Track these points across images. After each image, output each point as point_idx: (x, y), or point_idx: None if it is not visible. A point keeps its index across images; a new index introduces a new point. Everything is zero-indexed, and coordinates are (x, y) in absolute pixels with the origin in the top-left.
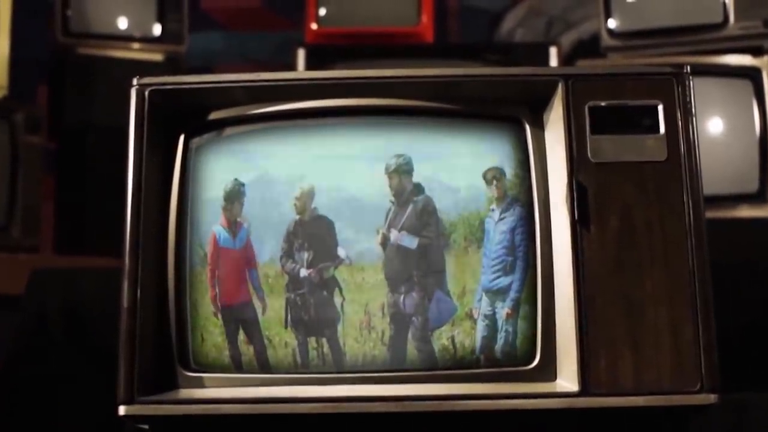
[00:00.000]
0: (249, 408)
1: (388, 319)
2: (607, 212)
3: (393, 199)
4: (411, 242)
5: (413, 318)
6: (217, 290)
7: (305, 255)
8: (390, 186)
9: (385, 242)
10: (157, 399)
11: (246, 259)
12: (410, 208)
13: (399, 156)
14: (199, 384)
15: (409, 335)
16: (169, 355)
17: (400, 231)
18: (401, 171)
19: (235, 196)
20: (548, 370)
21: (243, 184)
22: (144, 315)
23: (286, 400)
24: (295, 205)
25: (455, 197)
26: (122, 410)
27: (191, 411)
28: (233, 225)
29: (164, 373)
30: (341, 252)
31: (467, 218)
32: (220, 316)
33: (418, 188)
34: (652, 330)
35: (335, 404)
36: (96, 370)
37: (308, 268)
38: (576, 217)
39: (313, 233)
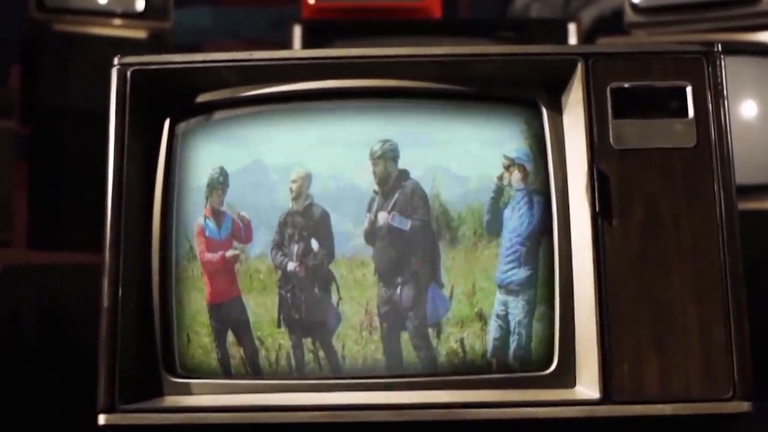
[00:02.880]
0: (240, 417)
1: (386, 315)
2: (630, 203)
3: (377, 188)
4: (403, 223)
5: (410, 309)
6: (205, 287)
7: (295, 247)
8: (374, 173)
9: (373, 231)
10: (140, 407)
11: (233, 252)
12: (398, 193)
13: (385, 141)
14: (186, 390)
15: (409, 335)
16: (153, 360)
17: (390, 213)
18: (386, 157)
19: (217, 183)
20: (567, 375)
21: (225, 171)
22: (126, 315)
23: (279, 408)
24: (290, 189)
25: (464, 188)
26: (102, 419)
27: (177, 420)
28: (217, 215)
29: (148, 378)
30: (337, 245)
31: (477, 210)
32: (207, 314)
33: (404, 174)
34: (680, 332)
35: (333, 413)
36: (73, 375)
37: (298, 261)
38: (597, 209)
39: (306, 224)
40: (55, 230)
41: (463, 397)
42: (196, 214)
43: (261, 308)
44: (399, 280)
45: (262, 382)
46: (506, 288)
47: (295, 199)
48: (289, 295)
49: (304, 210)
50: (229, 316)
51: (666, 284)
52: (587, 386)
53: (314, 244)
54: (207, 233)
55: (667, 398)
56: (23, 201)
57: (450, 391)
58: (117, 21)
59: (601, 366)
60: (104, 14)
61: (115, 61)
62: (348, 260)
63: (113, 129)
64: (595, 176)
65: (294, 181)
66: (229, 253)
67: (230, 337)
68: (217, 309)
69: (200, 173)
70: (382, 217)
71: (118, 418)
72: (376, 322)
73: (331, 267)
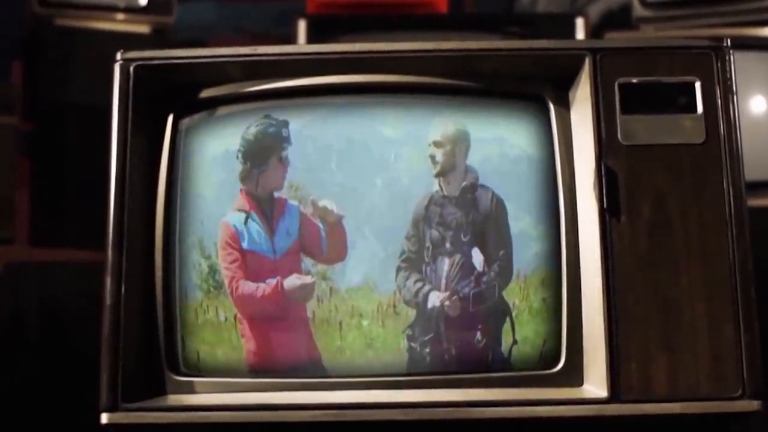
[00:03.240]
0: (244, 416)
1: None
2: (638, 200)
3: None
4: None
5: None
6: (243, 342)
7: (446, 264)
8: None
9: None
10: (143, 406)
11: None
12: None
13: None
14: (190, 389)
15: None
16: (156, 358)
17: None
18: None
19: (269, 147)
20: (574, 374)
21: (286, 124)
22: (128, 313)
23: (284, 407)
24: (432, 158)
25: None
26: (105, 418)
27: (180, 419)
28: (266, 204)
29: (151, 377)
30: (516, 255)
31: None
32: (247, 374)
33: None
34: (689, 330)
35: (337, 411)
36: (75, 374)
37: (449, 290)
38: (605, 206)
39: (466, 221)
40: (57, 227)
41: (468, 396)
42: (218, 211)
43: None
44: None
45: (267, 380)
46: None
47: (443, 173)
48: (427, 350)
49: (461, 195)
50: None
51: (674, 282)
52: (595, 385)
53: (476, 257)
54: (245, 243)
55: (675, 397)
56: (25, 198)
57: (455, 389)
58: (120, 16)
59: (609, 364)
60: (107, 9)
61: (118, 56)
62: (529, 279)
63: (116, 125)
64: (602, 172)
65: (439, 143)
66: (295, 281)
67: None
68: (265, 373)
69: (204, 170)
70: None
71: (121, 417)
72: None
73: (506, 294)
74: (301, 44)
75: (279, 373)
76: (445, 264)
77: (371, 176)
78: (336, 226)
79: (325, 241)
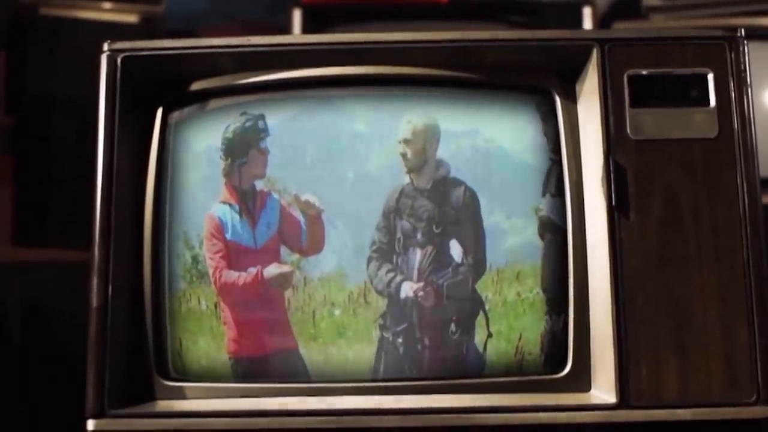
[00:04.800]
0: (236, 422)
1: (543, 357)
2: (649, 197)
3: (552, 155)
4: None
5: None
6: (224, 330)
7: (418, 255)
8: (545, 134)
9: (542, 226)
10: (131, 412)
11: (282, 265)
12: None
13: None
14: (180, 395)
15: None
16: (145, 362)
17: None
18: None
19: (249, 139)
20: (582, 378)
21: (262, 117)
22: (116, 315)
23: (278, 413)
24: (402, 155)
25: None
26: (91, 425)
27: (170, 426)
28: (248, 197)
29: (139, 382)
30: (489, 248)
31: None
32: (230, 370)
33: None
34: (701, 333)
35: (334, 418)
36: (60, 378)
37: (422, 281)
38: (613, 203)
39: (437, 213)
40: (41, 226)
41: (471, 402)
42: (206, 203)
43: (335, 366)
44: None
45: (260, 385)
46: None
47: (414, 168)
48: (400, 340)
49: (433, 188)
50: (272, 369)
51: (686, 282)
52: (603, 390)
53: (455, 249)
54: (228, 234)
55: (687, 403)
56: (8, 195)
57: (457, 395)
58: (107, 5)
59: (618, 369)
60: None
61: (105, 47)
62: (502, 273)
63: (103, 119)
64: (611, 168)
65: (408, 141)
66: (274, 269)
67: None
68: (246, 362)
69: (195, 166)
70: (546, 205)
71: (108, 424)
72: (527, 363)
73: (479, 286)
74: (296, 34)
75: (257, 360)
76: (417, 255)
77: (344, 169)
78: (317, 220)
79: (306, 234)
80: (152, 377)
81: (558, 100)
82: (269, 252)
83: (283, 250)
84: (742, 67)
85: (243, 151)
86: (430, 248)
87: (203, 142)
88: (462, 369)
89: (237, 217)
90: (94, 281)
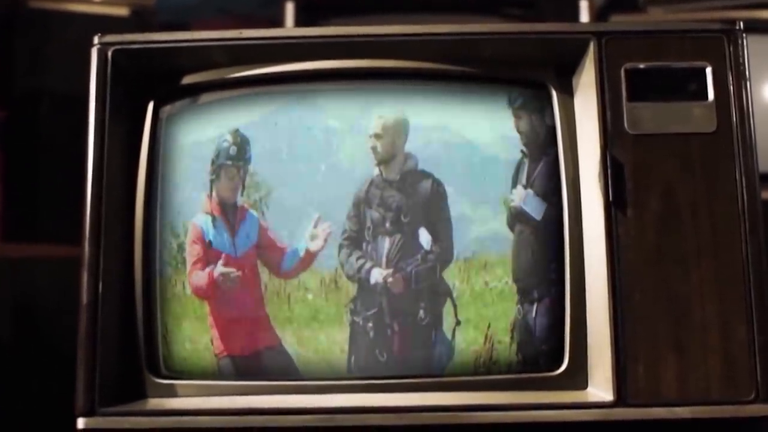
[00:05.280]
0: (229, 420)
1: (515, 347)
2: (646, 192)
3: (524, 148)
4: (536, 208)
5: (546, 339)
6: (211, 330)
7: (387, 243)
8: (518, 129)
9: (512, 217)
10: (122, 410)
11: (258, 268)
12: (542, 161)
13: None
14: (171, 392)
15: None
16: (135, 359)
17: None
18: (529, 109)
19: (228, 159)
20: (578, 376)
21: (246, 141)
22: (107, 311)
23: (271, 411)
24: (373, 148)
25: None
26: (81, 423)
27: (162, 424)
28: (230, 212)
29: (130, 379)
30: (456, 238)
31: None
32: (217, 367)
33: (552, 137)
34: (699, 330)
35: (329, 416)
36: (50, 376)
37: (392, 267)
38: (610, 199)
39: (406, 203)
40: (31, 221)
41: (466, 399)
42: (189, 211)
43: (311, 350)
44: (535, 294)
45: (253, 383)
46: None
47: (383, 161)
48: (370, 325)
49: (402, 179)
50: (260, 366)
51: (684, 279)
52: (600, 388)
53: (423, 237)
54: (212, 243)
55: (685, 401)
56: None
57: (452, 393)
58: None
59: (615, 366)
60: None
61: (95, 40)
62: (470, 262)
63: (93, 113)
64: (608, 163)
65: (378, 135)
66: (252, 273)
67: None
68: (235, 361)
69: (186, 161)
70: (518, 196)
71: (99, 422)
72: (498, 353)
73: (446, 274)
74: (290, 27)
75: (232, 332)
76: (386, 243)
77: (316, 161)
78: (312, 257)
79: (292, 264)
80: (143, 374)
81: (554, 94)
82: (249, 260)
83: (260, 264)
84: (741, 61)
85: (218, 173)
86: (398, 236)
87: (194, 136)
88: (431, 355)
89: (218, 226)
90: (84, 277)
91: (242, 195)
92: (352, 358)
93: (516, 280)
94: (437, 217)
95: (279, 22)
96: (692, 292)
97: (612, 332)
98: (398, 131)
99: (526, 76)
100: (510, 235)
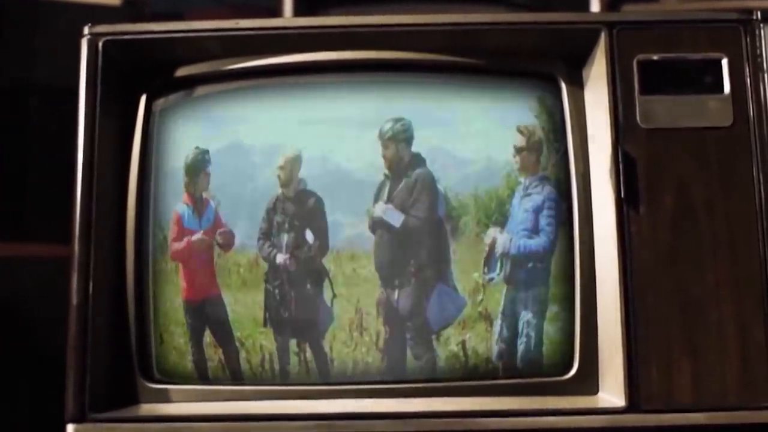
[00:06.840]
0: (221, 426)
1: (382, 320)
2: (659, 189)
3: (387, 172)
4: (394, 218)
5: (409, 317)
6: (180, 282)
7: (285, 238)
8: (384, 156)
9: (373, 224)
10: (113, 416)
11: (213, 244)
12: (403, 182)
13: (396, 121)
14: (164, 398)
15: (407, 338)
16: (127, 363)
17: (386, 204)
18: (398, 139)
19: (198, 166)
20: (589, 381)
21: (207, 152)
22: (97, 313)
23: (264, 417)
24: (278, 176)
25: (467, 172)
26: (71, 429)
27: (153, 430)
28: (198, 202)
29: (122, 384)
30: (332, 236)
31: (481, 197)
32: (183, 312)
33: (417, 160)
34: (715, 332)
35: (323, 422)
36: (39, 380)
37: (288, 253)
38: (622, 195)
39: (297, 212)
40: (19, 219)
41: (473, 405)
42: (174, 201)
43: (242, 306)
44: (396, 282)
45: (246, 388)
46: (514, 285)
47: (284, 185)
48: (277, 291)
49: (295, 196)
50: (206, 314)
51: (699, 279)
52: (611, 393)
53: (308, 235)
54: (185, 223)
55: (700, 406)
56: None
57: (455, 398)
58: None
59: (627, 370)
60: None
61: (86, 30)
62: (337, 254)
63: (84, 106)
64: (620, 159)
65: (282, 168)
66: (209, 243)
67: (208, 337)
68: (193, 306)
69: (180, 155)
70: (379, 209)
71: (89, 428)
72: (368, 322)
73: (324, 261)
74: (287, 17)
75: (195, 302)
76: (285, 237)
77: (245, 182)
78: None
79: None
80: (135, 379)
81: (564, 86)
82: (209, 234)
83: (218, 237)
84: (758, 52)
85: (195, 173)
86: (293, 234)
87: (191, 130)
88: (316, 318)
89: (190, 212)
90: (74, 277)
91: (207, 190)
92: (267, 314)
93: (377, 269)
94: (318, 221)
95: (277, 12)
96: (707, 293)
97: (624, 335)
98: (298, 165)
99: (534, 68)
100: (372, 236)
